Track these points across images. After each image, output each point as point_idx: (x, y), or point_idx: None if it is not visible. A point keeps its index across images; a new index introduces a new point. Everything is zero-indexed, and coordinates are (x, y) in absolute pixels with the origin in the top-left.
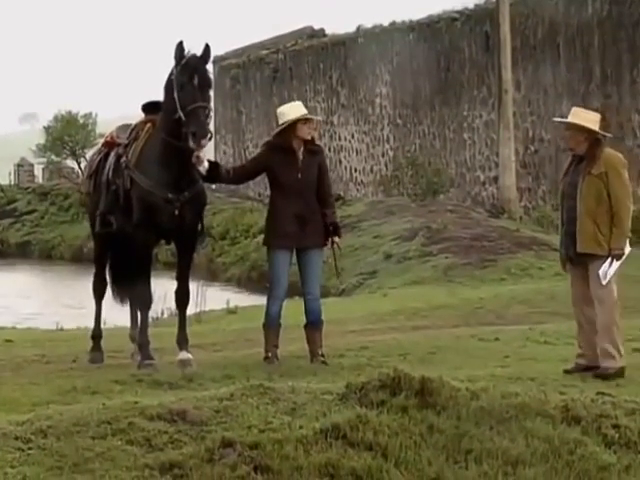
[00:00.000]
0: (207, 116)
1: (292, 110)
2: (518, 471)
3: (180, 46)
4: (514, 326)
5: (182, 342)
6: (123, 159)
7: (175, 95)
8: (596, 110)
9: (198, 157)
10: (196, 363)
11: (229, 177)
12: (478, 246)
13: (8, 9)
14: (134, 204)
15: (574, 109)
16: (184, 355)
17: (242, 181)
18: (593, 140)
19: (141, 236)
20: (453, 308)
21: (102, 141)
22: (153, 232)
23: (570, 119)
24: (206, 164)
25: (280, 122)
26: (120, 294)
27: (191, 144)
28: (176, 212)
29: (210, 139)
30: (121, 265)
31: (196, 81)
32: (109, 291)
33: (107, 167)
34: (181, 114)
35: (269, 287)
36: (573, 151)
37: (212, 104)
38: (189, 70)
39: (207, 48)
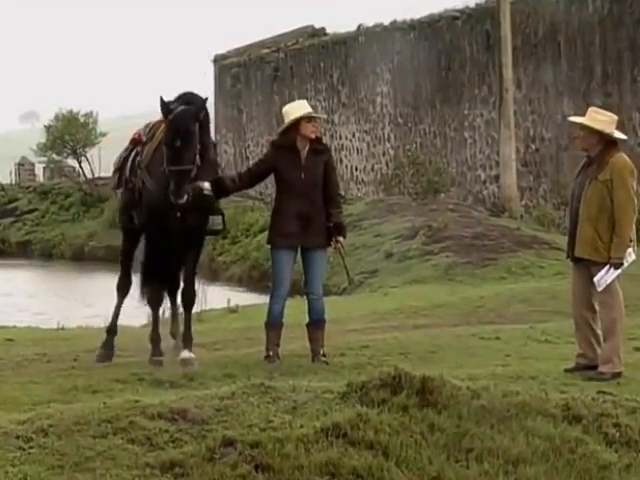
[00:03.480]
0: (188, 174)
1: (296, 109)
2: (519, 470)
3: (162, 102)
4: (515, 325)
5: (187, 341)
6: (138, 158)
7: (163, 149)
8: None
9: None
10: (198, 362)
11: (236, 185)
12: (479, 245)
13: (9, 8)
14: (143, 205)
15: (590, 109)
16: (187, 354)
17: (251, 185)
18: (607, 142)
19: (148, 237)
20: (454, 307)
21: (130, 138)
22: (159, 234)
23: (584, 120)
24: (207, 185)
25: (285, 121)
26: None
27: (171, 198)
28: (178, 215)
29: (189, 195)
30: (152, 264)
31: (179, 143)
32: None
33: (128, 165)
34: (166, 169)
35: (272, 286)
36: (586, 152)
37: (197, 144)
38: (173, 130)
39: (202, 105)
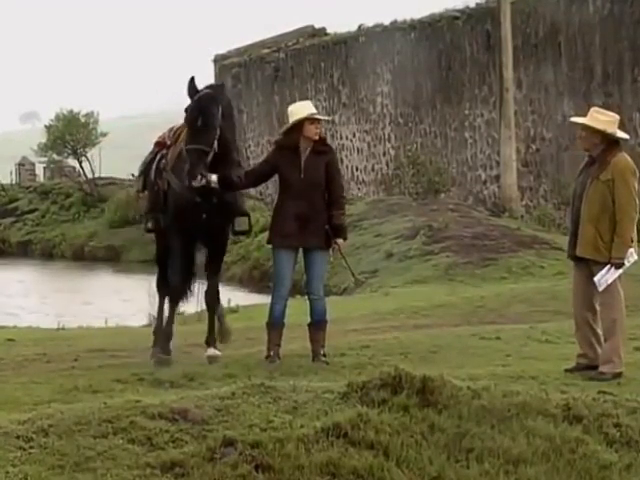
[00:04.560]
0: (205, 156)
1: (301, 109)
2: (519, 470)
3: (192, 82)
4: (515, 325)
5: (211, 339)
6: (163, 161)
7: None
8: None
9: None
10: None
11: (242, 183)
12: (479, 245)
13: (10, 8)
14: (169, 206)
15: (592, 109)
16: (212, 351)
17: (255, 184)
18: (609, 142)
19: (172, 237)
20: (454, 307)
21: (154, 141)
22: (183, 234)
23: (585, 120)
24: (214, 177)
25: (289, 121)
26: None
27: (185, 180)
28: (204, 216)
29: (203, 179)
30: (176, 262)
31: (200, 122)
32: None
33: (153, 168)
34: (184, 149)
35: (273, 286)
36: (588, 152)
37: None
38: (196, 110)
39: (221, 86)
